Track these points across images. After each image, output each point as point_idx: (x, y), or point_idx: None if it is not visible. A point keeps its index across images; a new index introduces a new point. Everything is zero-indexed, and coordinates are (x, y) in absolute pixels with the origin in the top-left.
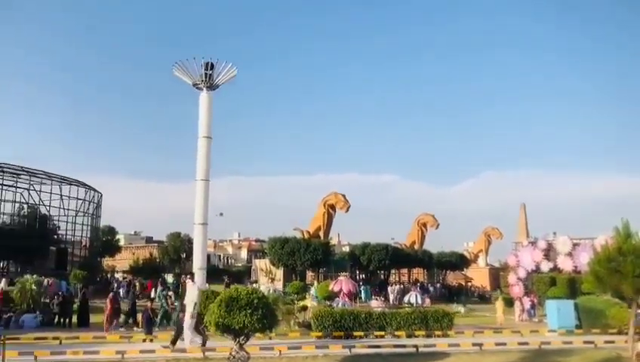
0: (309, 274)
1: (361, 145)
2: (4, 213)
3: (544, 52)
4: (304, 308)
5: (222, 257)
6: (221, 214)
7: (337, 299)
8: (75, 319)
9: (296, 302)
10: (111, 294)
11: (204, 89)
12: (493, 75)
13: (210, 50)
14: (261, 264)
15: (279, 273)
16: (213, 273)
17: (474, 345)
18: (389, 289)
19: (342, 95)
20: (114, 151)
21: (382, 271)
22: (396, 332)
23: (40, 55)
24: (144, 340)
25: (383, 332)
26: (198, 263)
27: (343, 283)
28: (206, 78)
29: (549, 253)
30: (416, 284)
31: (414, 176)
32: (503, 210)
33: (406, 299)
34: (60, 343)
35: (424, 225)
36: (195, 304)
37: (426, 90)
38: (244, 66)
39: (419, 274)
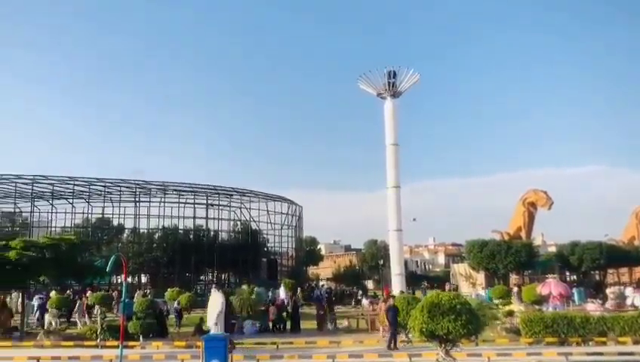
0: (513, 278)
1: (556, 138)
2: (221, 230)
3: None
4: (510, 313)
5: (419, 263)
6: (414, 220)
7: (547, 302)
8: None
9: (500, 306)
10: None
11: (388, 97)
12: None
13: (379, 56)
14: (460, 269)
15: (480, 277)
16: (411, 279)
17: None
18: (608, 290)
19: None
20: (309, 167)
21: (596, 272)
22: (620, 339)
23: (230, 82)
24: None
25: (604, 339)
26: (395, 269)
27: (552, 285)
28: (389, 86)
29: None
30: None
31: (624, 164)
32: None
33: (629, 301)
34: (277, 348)
35: None
36: (219, 313)
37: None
38: (421, 69)
39: None
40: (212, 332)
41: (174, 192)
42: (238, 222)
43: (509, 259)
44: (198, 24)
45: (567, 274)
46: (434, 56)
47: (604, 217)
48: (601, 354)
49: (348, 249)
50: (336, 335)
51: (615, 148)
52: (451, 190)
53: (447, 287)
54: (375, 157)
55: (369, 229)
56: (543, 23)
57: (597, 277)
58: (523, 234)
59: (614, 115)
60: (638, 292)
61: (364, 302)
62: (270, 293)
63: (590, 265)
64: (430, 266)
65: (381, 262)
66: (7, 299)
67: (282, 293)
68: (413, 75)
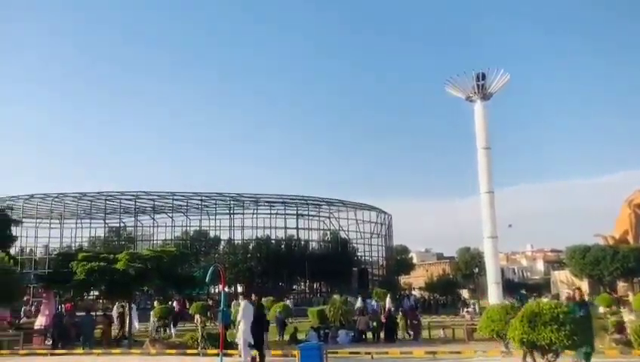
0: (620, 285)
1: None
2: (312, 240)
3: None
4: (620, 323)
5: (516, 270)
6: (510, 226)
7: None
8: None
9: (609, 316)
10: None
11: (478, 100)
12: None
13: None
14: (561, 276)
15: (583, 285)
16: (509, 287)
17: None
18: None
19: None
20: (397, 174)
21: None
22: None
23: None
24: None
25: None
26: (491, 277)
27: None
28: (478, 88)
29: None
30: None
31: None
32: None
33: None
34: (372, 358)
35: None
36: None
37: None
38: (511, 69)
39: None
40: (240, 340)
41: (266, 204)
42: (328, 232)
43: (616, 265)
44: (303, 40)
45: None
46: (523, 57)
47: None
48: None
49: (440, 257)
50: (433, 346)
51: None
52: (549, 193)
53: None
54: (465, 163)
55: (463, 236)
56: None
57: None
58: (630, 238)
59: None
60: None
61: (468, 310)
62: (359, 302)
63: None
64: (528, 274)
65: (476, 270)
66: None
67: (374, 303)
68: (503, 75)
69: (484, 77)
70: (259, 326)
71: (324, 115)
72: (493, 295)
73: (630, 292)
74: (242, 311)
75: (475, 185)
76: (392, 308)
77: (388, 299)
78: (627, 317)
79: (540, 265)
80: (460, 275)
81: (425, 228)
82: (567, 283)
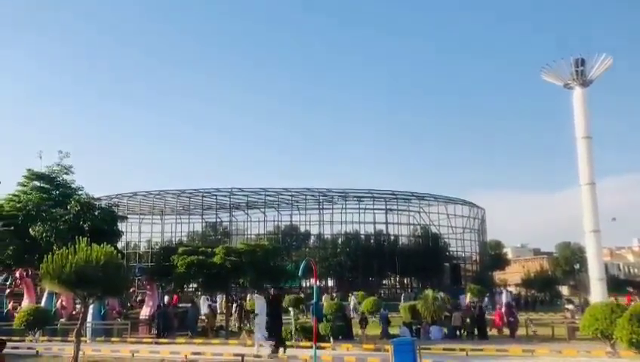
0: None
1: None
2: (401, 235)
3: None
4: None
5: (621, 266)
6: (614, 219)
7: None
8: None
9: None
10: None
11: (577, 87)
12: None
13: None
14: None
15: None
16: (614, 284)
17: None
18: None
19: None
20: (492, 167)
21: None
22: None
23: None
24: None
25: None
26: (594, 273)
27: None
28: (577, 75)
29: None
30: None
31: None
32: None
33: None
34: (467, 354)
35: None
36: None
37: None
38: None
39: None
40: (257, 334)
41: (354, 198)
42: (418, 227)
43: None
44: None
45: None
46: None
47: None
48: None
49: (537, 252)
50: (531, 344)
51: None
52: None
53: None
54: (561, 154)
55: (562, 231)
56: None
57: None
58: None
59: None
60: None
61: (568, 307)
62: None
63: None
64: (635, 270)
65: (577, 266)
66: (195, 300)
67: (467, 299)
68: (605, 59)
69: (583, 62)
70: (274, 319)
71: (416, 110)
72: (597, 292)
73: None
74: (256, 306)
75: (574, 177)
76: (484, 305)
77: (486, 297)
78: None
79: None
80: (560, 271)
81: (520, 223)
82: None
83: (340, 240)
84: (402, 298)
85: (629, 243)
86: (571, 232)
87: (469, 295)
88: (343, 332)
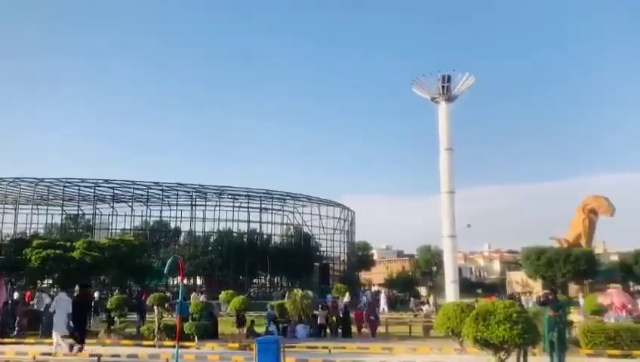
0: (572, 287)
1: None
2: (275, 234)
3: None
4: (570, 324)
5: (473, 270)
6: (469, 225)
7: (608, 313)
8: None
9: None
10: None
11: (442, 101)
12: None
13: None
14: (516, 276)
15: (537, 286)
16: (466, 286)
17: None
18: None
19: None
20: (362, 172)
21: None
22: None
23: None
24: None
25: None
26: (449, 276)
27: (613, 295)
28: (443, 90)
29: None
30: None
31: None
32: None
33: None
34: (330, 352)
35: None
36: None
37: None
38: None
39: None
40: (56, 332)
41: (229, 196)
42: (291, 227)
43: (568, 267)
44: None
45: (631, 283)
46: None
47: None
48: None
49: (400, 254)
50: (390, 342)
51: None
52: (514, 196)
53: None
54: (429, 162)
55: (424, 235)
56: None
57: None
58: (583, 241)
59: None
60: None
61: (422, 307)
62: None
63: None
64: (485, 274)
65: (434, 268)
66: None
67: (346, 298)
68: (468, 78)
69: (449, 79)
70: (78, 314)
71: (294, 112)
72: (450, 293)
73: (581, 294)
74: (56, 303)
75: (438, 185)
76: (348, 304)
77: (347, 295)
78: (576, 318)
79: (497, 266)
80: (419, 273)
81: (387, 226)
82: (521, 283)
83: (212, 238)
84: (273, 296)
85: (481, 248)
86: (432, 236)
87: (347, 294)
88: (209, 331)
